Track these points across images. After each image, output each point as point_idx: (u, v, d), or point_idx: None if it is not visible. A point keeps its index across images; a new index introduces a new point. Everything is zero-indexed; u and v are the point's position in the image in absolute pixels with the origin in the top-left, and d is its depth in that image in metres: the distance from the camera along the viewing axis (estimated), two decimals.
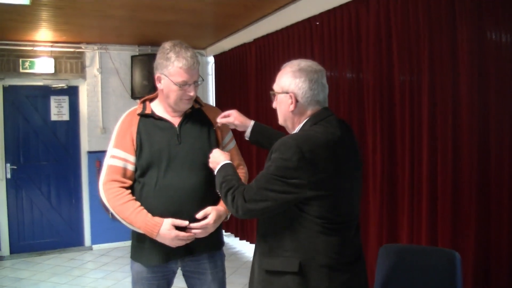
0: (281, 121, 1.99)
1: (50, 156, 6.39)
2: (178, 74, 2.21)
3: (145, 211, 2.20)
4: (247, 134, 2.36)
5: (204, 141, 2.35)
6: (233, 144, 2.52)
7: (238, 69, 5.84)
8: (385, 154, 3.28)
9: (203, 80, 2.37)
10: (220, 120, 2.37)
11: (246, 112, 5.38)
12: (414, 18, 2.99)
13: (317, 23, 4.04)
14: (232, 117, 2.36)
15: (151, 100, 2.43)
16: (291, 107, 1.89)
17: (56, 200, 6.43)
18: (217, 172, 2.07)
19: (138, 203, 2.22)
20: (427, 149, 2.91)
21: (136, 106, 2.40)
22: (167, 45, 2.25)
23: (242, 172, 2.45)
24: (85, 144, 6.49)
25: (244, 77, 5.65)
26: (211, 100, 6.97)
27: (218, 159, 2.13)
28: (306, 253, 1.77)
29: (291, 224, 1.79)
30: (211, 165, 2.17)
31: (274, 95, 1.98)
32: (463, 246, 2.68)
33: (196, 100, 2.44)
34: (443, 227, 2.81)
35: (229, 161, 2.11)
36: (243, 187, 1.87)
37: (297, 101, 1.89)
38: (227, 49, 6.14)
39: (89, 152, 6.45)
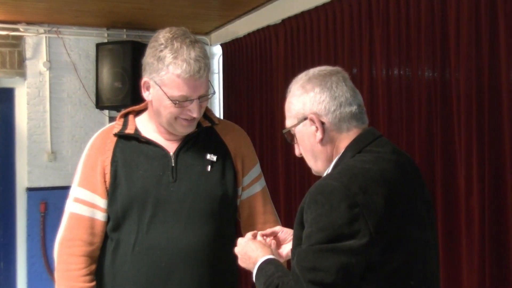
0: (312, 164, 2.02)
1: None
2: (175, 85, 2.16)
3: None
4: None
5: (214, 178, 2.33)
6: (260, 185, 2.50)
7: (258, 63, 5.89)
8: (485, 197, 3.25)
9: (214, 92, 2.35)
10: None
11: (271, 123, 5.45)
12: None
13: None
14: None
15: (137, 113, 2.42)
16: (318, 135, 1.92)
17: None
18: (255, 278, 2.02)
19: None
20: None
21: (114, 123, 2.40)
22: (162, 35, 2.22)
23: None
24: (24, 177, 6.54)
25: (268, 75, 5.70)
26: (217, 107, 7.05)
27: (249, 256, 2.07)
28: None
29: None
30: (240, 262, 2.11)
31: (291, 134, 2.01)
32: None
33: (206, 115, 2.42)
34: None
35: (267, 257, 2.03)
36: (288, 280, 1.84)
37: (322, 123, 1.91)
38: (241, 34, 6.22)
39: (30, 189, 6.50)
